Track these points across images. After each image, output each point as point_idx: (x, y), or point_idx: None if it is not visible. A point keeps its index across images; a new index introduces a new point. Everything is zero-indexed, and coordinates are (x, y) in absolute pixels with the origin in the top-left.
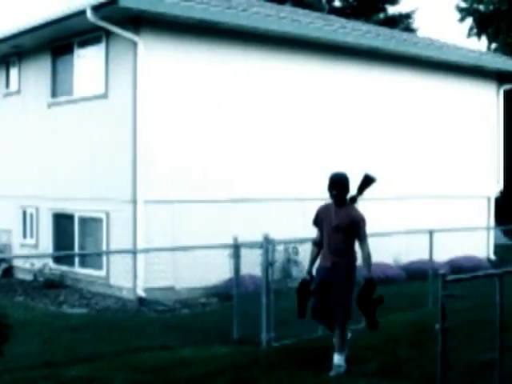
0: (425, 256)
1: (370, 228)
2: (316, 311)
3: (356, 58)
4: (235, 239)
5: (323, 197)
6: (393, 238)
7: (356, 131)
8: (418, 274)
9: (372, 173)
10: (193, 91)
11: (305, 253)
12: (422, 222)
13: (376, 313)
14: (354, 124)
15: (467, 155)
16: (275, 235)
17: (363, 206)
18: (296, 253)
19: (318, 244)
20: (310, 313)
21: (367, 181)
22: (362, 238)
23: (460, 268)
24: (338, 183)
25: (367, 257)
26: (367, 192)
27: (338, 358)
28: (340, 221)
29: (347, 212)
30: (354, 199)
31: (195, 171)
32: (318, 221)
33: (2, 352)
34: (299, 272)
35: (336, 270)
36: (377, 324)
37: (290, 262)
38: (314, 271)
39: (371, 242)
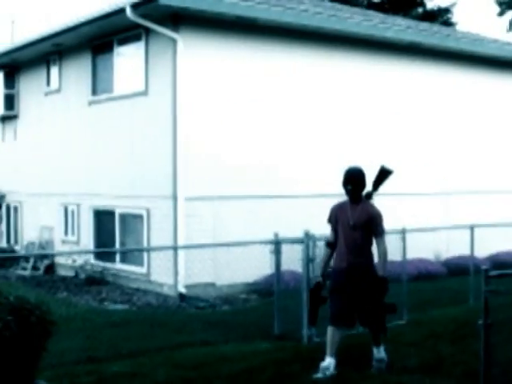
0: (466, 251)
1: (410, 224)
2: (338, 317)
3: (396, 53)
4: (276, 235)
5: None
6: (433, 234)
7: (399, 127)
8: (458, 270)
9: (388, 165)
10: (233, 88)
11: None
12: (463, 217)
13: (386, 318)
14: (396, 120)
15: (508, 149)
16: (316, 231)
17: (404, 202)
18: None
19: (331, 245)
20: (331, 319)
21: (383, 174)
22: (380, 234)
23: (502, 263)
24: (353, 178)
25: (383, 254)
26: (408, 187)
27: (377, 351)
28: (357, 218)
29: (364, 208)
30: (369, 195)
31: (235, 168)
32: (331, 220)
33: (45, 348)
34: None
35: (354, 272)
36: (385, 329)
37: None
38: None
39: (412, 238)
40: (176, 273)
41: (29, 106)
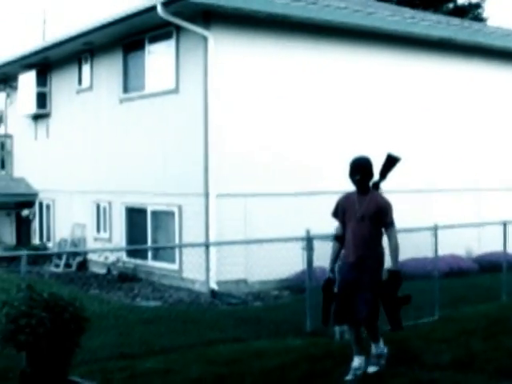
0: (497, 248)
1: (442, 220)
2: (339, 315)
3: (426, 48)
4: (308, 232)
5: (399, 188)
6: (465, 230)
7: (431, 123)
8: (490, 266)
9: (395, 152)
10: (262, 85)
11: None
12: (494, 213)
13: (400, 312)
14: (427, 116)
15: None
16: None
17: (437, 198)
18: None
19: (339, 238)
20: (333, 316)
21: (391, 161)
22: (390, 226)
23: None
24: (361, 167)
25: (394, 247)
26: (440, 184)
27: (375, 346)
28: (365, 209)
29: (372, 199)
30: (376, 185)
31: (266, 165)
32: (338, 212)
33: (79, 344)
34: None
35: (361, 266)
36: (400, 324)
37: None
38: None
39: (443, 234)
40: (208, 269)
41: (61, 104)
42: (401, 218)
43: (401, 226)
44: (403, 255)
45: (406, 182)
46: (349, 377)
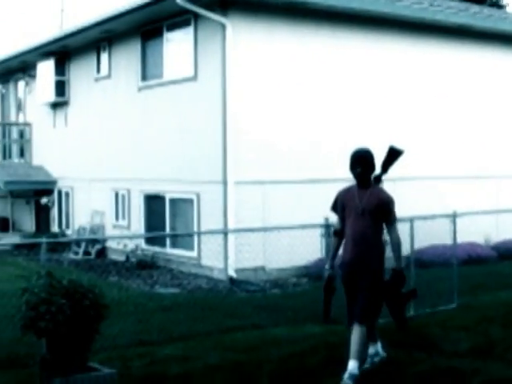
0: None
1: (460, 208)
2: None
3: (445, 35)
4: (326, 219)
5: (418, 175)
6: (483, 218)
7: (450, 110)
8: (509, 254)
9: (398, 145)
10: (280, 72)
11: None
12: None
13: (405, 310)
14: (446, 102)
15: None
16: None
17: (454, 185)
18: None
19: (338, 233)
20: (347, 318)
21: (393, 154)
22: (392, 222)
23: None
24: (363, 159)
25: (397, 244)
26: (458, 171)
27: (372, 347)
28: (366, 204)
29: (373, 193)
30: (378, 178)
31: (285, 152)
32: (337, 207)
33: (98, 331)
34: (388, 251)
35: (361, 263)
36: (406, 323)
37: None
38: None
39: (462, 222)
40: (226, 257)
41: (79, 92)
42: (418, 205)
43: (418, 213)
44: (422, 243)
45: (424, 168)
46: (367, 365)
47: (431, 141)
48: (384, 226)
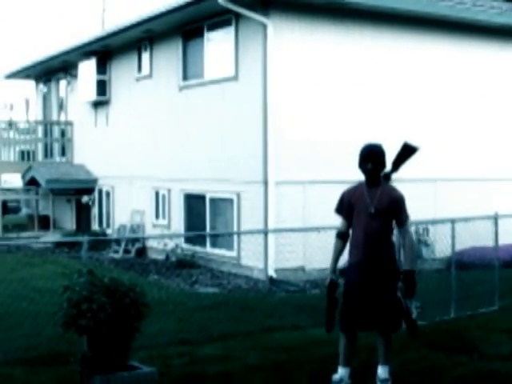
0: None
1: (502, 210)
2: (346, 320)
3: (486, 35)
4: None
5: (460, 177)
6: None
7: (490, 110)
8: None
9: (413, 141)
10: (321, 72)
11: (435, 234)
12: None
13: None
14: (487, 103)
15: None
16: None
17: (497, 187)
18: (427, 233)
19: (343, 235)
20: (339, 324)
21: (407, 152)
22: (405, 221)
23: None
24: (374, 155)
25: (411, 245)
26: (500, 173)
27: (383, 371)
28: (378, 203)
29: (385, 192)
30: (387, 176)
31: (325, 152)
32: (343, 207)
33: (138, 329)
34: (430, 253)
35: (375, 266)
36: (417, 329)
37: (420, 242)
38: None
39: (504, 224)
40: (266, 257)
41: (120, 91)
42: (461, 206)
43: (462, 214)
44: (463, 245)
45: (469, 170)
46: None
47: (476, 142)
48: (395, 226)
